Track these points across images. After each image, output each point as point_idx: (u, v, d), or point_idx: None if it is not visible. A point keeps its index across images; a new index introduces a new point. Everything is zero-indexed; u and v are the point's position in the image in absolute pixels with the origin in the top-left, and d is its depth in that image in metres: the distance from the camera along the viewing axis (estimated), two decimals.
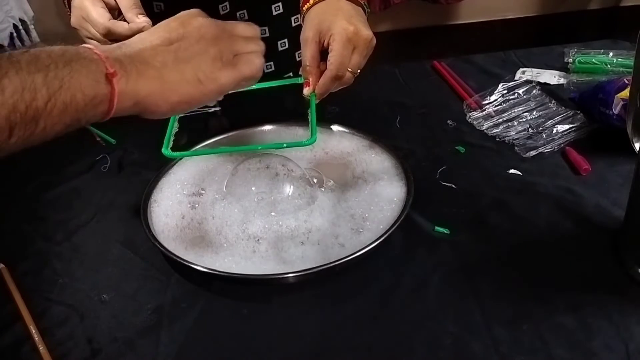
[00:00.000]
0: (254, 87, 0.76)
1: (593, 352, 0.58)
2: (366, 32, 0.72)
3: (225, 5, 1.01)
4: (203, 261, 0.68)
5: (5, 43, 1.20)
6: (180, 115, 0.70)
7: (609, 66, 0.99)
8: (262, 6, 1.04)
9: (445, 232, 0.72)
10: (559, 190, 0.77)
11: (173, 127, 0.70)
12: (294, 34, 1.10)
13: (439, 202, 0.77)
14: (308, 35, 0.73)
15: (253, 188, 0.74)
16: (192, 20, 0.59)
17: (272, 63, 1.11)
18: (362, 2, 0.78)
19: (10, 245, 0.76)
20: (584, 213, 0.74)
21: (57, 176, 0.87)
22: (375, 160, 0.81)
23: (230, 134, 0.87)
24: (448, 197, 0.77)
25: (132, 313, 0.66)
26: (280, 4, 1.05)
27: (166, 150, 0.67)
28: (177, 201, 0.77)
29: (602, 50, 1.02)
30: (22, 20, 1.25)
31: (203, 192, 0.78)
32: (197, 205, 0.76)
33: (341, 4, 0.75)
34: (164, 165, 0.82)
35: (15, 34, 1.23)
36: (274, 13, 1.06)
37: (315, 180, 0.77)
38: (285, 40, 1.09)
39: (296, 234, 0.71)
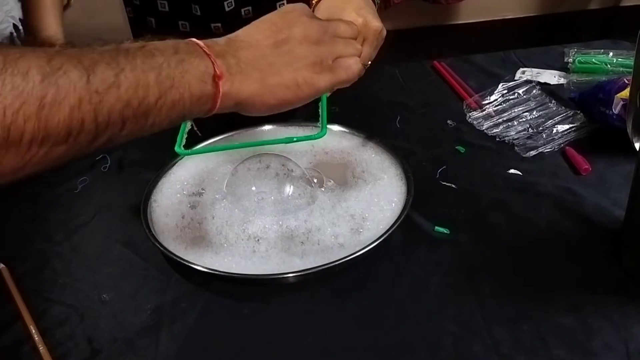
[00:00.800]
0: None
1: (593, 352, 0.58)
2: (375, 24, 0.72)
3: (231, 2, 1.01)
4: (203, 261, 0.68)
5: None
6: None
7: (609, 66, 0.99)
8: (267, 3, 1.04)
9: (445, 232, 0.72)
10: (559, 190, 0.77)
11: (186, 126, 0.69)
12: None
13: (439, 202, 0.77)
14: None
15: (253, 188, 0.74)
16: (297, 19, 0.59)
17: None
18: None
19: (10, 245, 0.76)
20: (584, 213, 0.74)
21: (57, 176, 0.87)
22: (375, 160, 0.81)
23: (230, 134, 0.87)
24: (448, 197, 0.77)
25: (132, 313, 0.66)
26: (284, 0, 1.05)
27: (179, 149, 0.66)
28: (177, 201, 0.77)
29: (602, 50, 1.02)
30: (22, 20, 1.25)
31: (203, 192, 0.78)
32: (197, 205, 0.76)
33: None
34: (164, 165, 0.82)
35: (15, 34, 1.23)
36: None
37: (315, 180, 0.77)
38: None
39: (296, 234, 0.71)
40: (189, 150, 0.68)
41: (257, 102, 0.56)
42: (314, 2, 0.77)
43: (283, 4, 1.05)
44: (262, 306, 0.66)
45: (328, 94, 0.72)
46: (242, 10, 1.03)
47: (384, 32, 0.73)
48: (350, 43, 0.64)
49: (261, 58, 0.56)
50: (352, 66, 0.62)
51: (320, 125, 0.67)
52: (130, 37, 1.12)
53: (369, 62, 0.73)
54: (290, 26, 0.58)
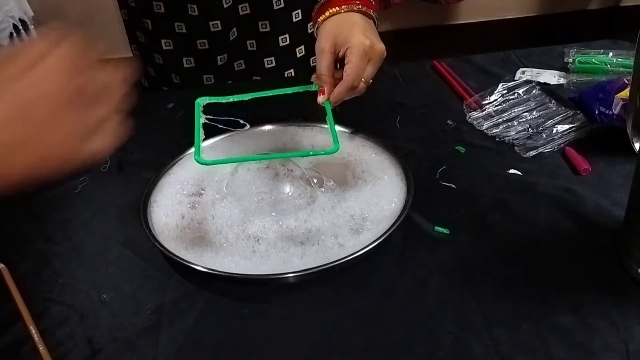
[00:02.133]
0: (268, 94, 0.78)
1: (593, 352, 0.58)
2: (380, 46, 0.77)
3: None
4: (203, 261, 0.68)
5: (5, 43, 1.20)
6: (204, 121, 0.74)
7: (609, 66, 0.99)
8: (264, 1, 1.05)
9: (445, 232, 0.72)
10: (559, 190, 0.77)
11: (200, 135, 0.72)
12: (295, 29, 1.10)
13: (439, 202, 0.77)
14: (324, 46, 0.77)
15: (253, 188, 0.74)
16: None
17: (272, 58, 1.11)
18: (373, 15, 0.82)
19: (10, 245, 0.76)
20: (584, 213, 0.74)
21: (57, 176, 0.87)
22: (375, 160, 0.81)
23: (230, 133, 0.87)
24: (448, 197, 0.77)
25: (132, 313, 0.66)
26: (299, 11, 1.06)
27: (199, 158, 0.69)
28: (177, 201, 0.77)
29: (602, 50, 1.02)
30: (22, 20, 1.25)
31: (203, 192, 0.78)
32: (197, 205, 0.76)
33: (355, 19, 0.79)
34: (164, 165, 0.82)
35: (15, 34, 1.23)
36: (275, 7, 1.06)
37: (315, 180, 0.77)
38: (287, 35, 1.09)
39: (296, 234, 0.71)
40: (210, 161, 0.71)
41: None
42: (319, 20, 0.81)
43: (279, 1, 1.05)
44: (262, 306, 0.66)
45: (334, 108, 0.77)
46: (240, 6, 1.04)
47: (385, 54, 0.79)
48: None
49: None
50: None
51: (332, 140, 0.71)
52: (125, 40, 1.12)
53: (370, 81, 0.78)
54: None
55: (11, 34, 1.22)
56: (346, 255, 0.66)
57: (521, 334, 0.60)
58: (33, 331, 0.63)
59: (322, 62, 0.77)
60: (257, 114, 0.89)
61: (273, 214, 0.73)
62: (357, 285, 0.67)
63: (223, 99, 0.78)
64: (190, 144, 0.84)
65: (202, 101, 0.77)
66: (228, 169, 0.79)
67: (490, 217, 0.74)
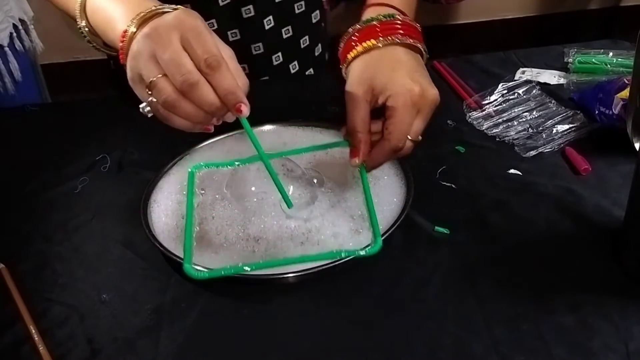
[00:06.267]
0: (298, 151, 0.74)
1: (593, 352, 0.58)
2: (432, 92, 0.62)
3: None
4: (203, 261, 0.68)
5: (5, 43, 1.19)
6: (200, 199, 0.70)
7: (609, 66, 0.99)
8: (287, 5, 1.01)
9: (445, 232, 0.72)
10: (559, 190, 0.77)
11: (192, 230, 0.68)
12: (315, 31, 1.05)
13: (439, 202, 0.77)
14: (357, 93, 0.62)
15: (253, 188, 0.74)
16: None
17: (296, 62, 1.08)
18: (421, 47, 0.66)
19: (10, 245, 0.76)
20: (584, 213, 0.74)
21: (57, 176, 0.87)
22: None
23: (229, 134, 0.87)
24: (448, 197, 0.77)
25: (132, 313, 0.66)
26: (303, 2, 1.03)
27: (189, 268, 0.63)
28: (177, 201, 0.77)
29: (602, 50, 1.02)
30: (22, 20, 1.25)
31: (203, 192, 0.78)
32: (197, 206, 0.76)
33: (398, 54, 0.63)
34: (164, 165, 0.82)
35: (15, 34, 1.23)
36: (297, 11, 1.03)
37: (315, 180, 0.77)
38: (307, 37, 1.05)
39: (296, 234, 0.71)
40: (204, 274, 0.63)
41: None
42: (349, 56, 0.66)
43: (300, 5, 1.03)
44: (262, 306, 0.66)
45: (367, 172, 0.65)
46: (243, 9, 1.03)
47: (439, 100, 0.62)
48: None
49: None
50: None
51: (372, 234, 0.63)
52: None
53: (420, 138, 0.63)
54: None
55: (11, 34, 1.21)
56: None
57: (521, 334, 0.60)
58: (33, 331, 0.63)
59: (356, 113, 0.62)
60: (257, 114, 0.88)
61: (273, 214, 0.72)
62: (357, 285, 0.67)
63: (223, 165, 0.71)
64: (191, 144, 0.85)
65: (197, 170, 0.70)
66: (228, 169, 0.79)
67: (490, 217, 0.74)
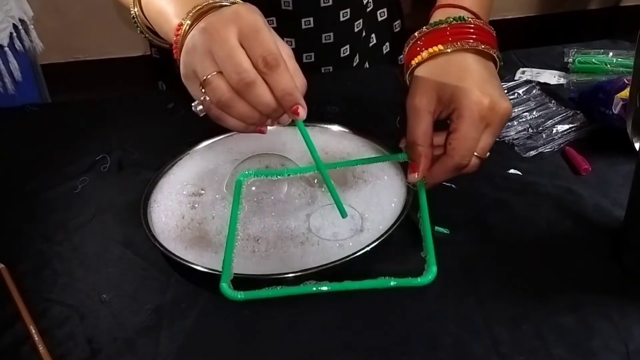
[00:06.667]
0: (354, 162, 0.73)
1: (593, 352, 0.58)
2: (504, 105, 0.57)
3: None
4: (203, 261, 0.68)
5: (5, 43, 1.20)
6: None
7: (609, 66, 0.99)
8: (330, 14, 0.98)
9: (445, 232, 0.72)
10: (559, 190, 0.77)
11: (232, 250, 0.65)
12: (356, 39, 1.01)
13: (439, 202, 0.76)
14: (420, 103, 0.60)
15: (253, 188, 0.74)
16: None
17: (330, 68, 1.05)
18: (494, 54, 0.60)
19: (10, 245, 0.76)
20: (584, 213, 0.74)
21: (57, 176, 0.87)
22: None
23: (230, 134, 0.87)
24: (448, 197, 0.77)
25: (132, 313, 0.66)
26: (348, 10, 1.00)
27: (226, 288, 0.59)
28: (177, 201, 0.77)
29: (602, 50, 1.02)
30: (22, 20, 1.25)
31: (203, 192, 0.78)
32: (197, 205, 0.76)
33: (468, 62, 0.59)
34: (164, 165, 0.82)
35: (15, 34, 1.23)
36: (341, 19, 1.01)
37: (315, 180, 0.76)
38: (347, 46, 1.03)
39: (296, 234, 0.71)
40: (242, 295, 0.60)
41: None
42: (413, 62, 0.63)
43: (346, 12, 1.01)
44: (262, 306, 0.66)
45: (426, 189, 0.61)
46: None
47: (511, 113, 0.58)
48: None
49: None
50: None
51: (427, 264, 0.58)
52: (130, 38, 1.11)
53: (487, 154, 0.59)
54: None
55: (11, 34, 1.22)
56: (346, 255, 0.66)
57: (521, 334, 0.60)
58: (33, 331, 0.63)
59: (417, 125, 0.60)
60: None
61: (273, 214, 0.72)
62: None
63: (272, 174, 0.68)
64: (191, 144, 0.84)
65: (245, 179, 0.67)
66: (228, 169, 0.79)
67: (490, 217, 0.74)
